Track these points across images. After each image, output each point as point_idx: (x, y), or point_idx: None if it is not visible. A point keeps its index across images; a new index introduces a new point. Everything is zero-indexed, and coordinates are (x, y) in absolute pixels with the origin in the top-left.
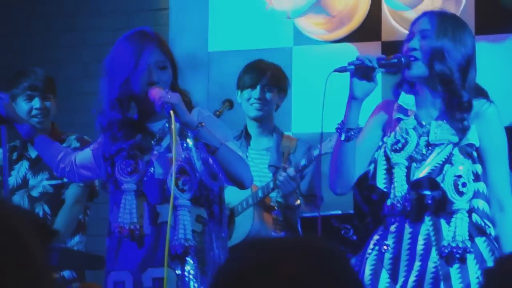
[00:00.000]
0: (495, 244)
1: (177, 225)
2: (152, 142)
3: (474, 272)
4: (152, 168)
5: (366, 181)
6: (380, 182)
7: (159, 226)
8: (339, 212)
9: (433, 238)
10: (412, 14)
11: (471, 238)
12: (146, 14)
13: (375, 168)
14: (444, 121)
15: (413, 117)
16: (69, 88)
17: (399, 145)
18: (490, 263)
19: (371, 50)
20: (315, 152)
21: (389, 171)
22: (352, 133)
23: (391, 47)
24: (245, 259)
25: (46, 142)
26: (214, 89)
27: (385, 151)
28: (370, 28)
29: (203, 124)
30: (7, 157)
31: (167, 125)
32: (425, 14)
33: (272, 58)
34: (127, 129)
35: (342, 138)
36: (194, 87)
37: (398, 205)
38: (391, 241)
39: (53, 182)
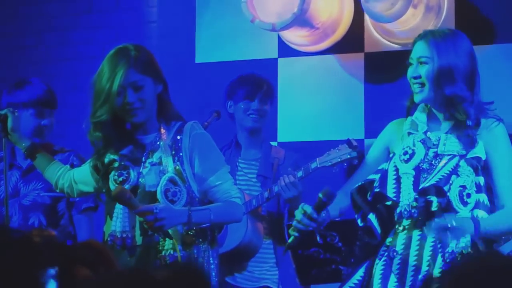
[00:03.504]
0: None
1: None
2: (144, 154)
3: None
4: (143, 180)
5: (371, 189)
6: (390, 192)
7: (151, 237)
8: None
9: (439, 245)
10: (395, 26)
11: (475, 245)
12: (135, 27)
13: (384, 178)
14: (453, 134)
15: (422, 133)
16: (60, 100)
17: (407, 156)
18: None
19: (354, 61)
20: (313, 165)
21: (398, 180)
22: None
23: (374, 58)
24: None
25: (47, 159)
26: (201, 99)
27: (394, 162)
28: (353, 39)
29: (190, 211)
30: (7, 169)
31: (158, 142)
32: (423, 37)
33: (258, 69)
34: (115, 142)
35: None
36: (181, 97)
37: (405, 212)
38: (400, 247)
39: (52, 194)
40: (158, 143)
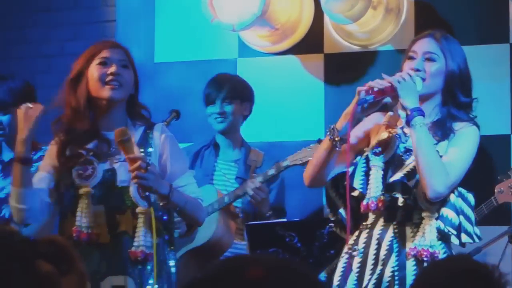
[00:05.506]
0: (452, 252)
1: (136, 232)
2: (111, 149)
3: None
4: (113, 175)
5: (343, 181)
6: (357, 184)
7: (119, 235)
8: (285, 219)
9: (395, 245)
10: (354, 27)
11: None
12: (94, 26)
13: (354, 170)
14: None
15: (399, 128)
16: None
17: (379, 149)
18: None
19: (314, 62)
20: (284, 163)
21: (367, 173)
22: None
23: (334, 59)
24: (219, 265)
25: (28, 177)
26: (160, 99)
27: (366, 155)
28: (313, 40)
29: (172, 187)
30: None
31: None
32: (429, 35)
33: (218, 69)
34: (81, 135)
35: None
36: (140, 97)
37: (373, 204)
38: (361, 246)
39: None
40: None
